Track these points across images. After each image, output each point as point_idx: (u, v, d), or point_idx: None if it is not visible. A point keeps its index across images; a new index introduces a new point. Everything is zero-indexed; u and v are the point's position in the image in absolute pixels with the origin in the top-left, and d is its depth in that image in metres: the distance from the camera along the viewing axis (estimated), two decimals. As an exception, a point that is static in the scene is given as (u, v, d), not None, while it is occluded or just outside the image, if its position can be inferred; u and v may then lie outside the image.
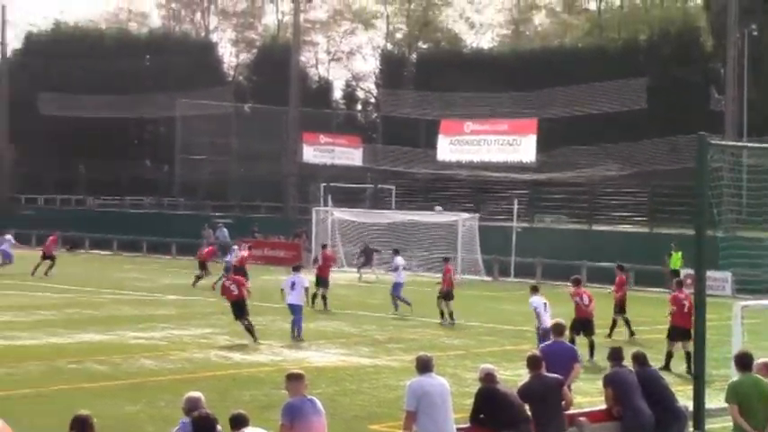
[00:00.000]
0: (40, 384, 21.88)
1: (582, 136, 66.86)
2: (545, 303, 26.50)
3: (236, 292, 29.78)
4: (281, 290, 30.46)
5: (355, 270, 52.74)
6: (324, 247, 44.21)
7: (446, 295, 34.34)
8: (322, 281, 38.42)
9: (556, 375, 15.00)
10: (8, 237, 54.08)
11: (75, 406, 18.03)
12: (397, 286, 37.58)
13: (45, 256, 50.94)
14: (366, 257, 53.61)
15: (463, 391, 21.41)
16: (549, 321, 25.34)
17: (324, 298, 37.70)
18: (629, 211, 55.57)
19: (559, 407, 14.77)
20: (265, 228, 62.10)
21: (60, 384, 21.95)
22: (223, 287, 30.59)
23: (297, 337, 29.62)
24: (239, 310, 29.62)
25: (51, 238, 53.07)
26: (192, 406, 11.55)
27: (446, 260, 36.77)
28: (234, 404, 16.99)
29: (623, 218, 55.87)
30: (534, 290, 27.46)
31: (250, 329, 29.29)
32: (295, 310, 30.21)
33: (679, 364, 24.84)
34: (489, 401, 14.25)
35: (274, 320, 33.48)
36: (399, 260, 39.40)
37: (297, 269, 31.04)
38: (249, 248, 47.38)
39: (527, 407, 14.46)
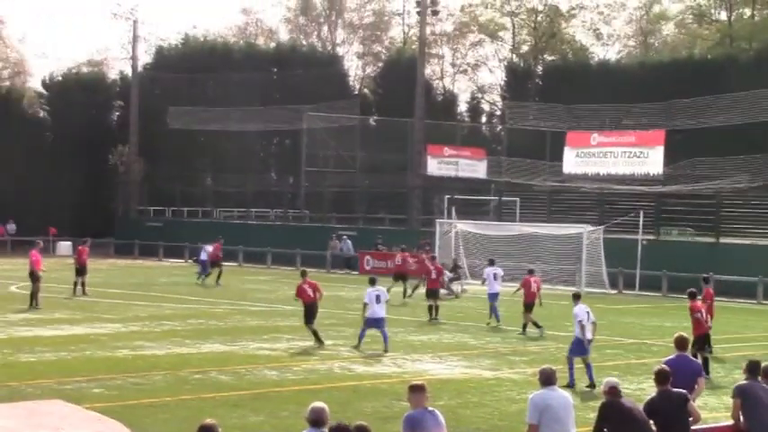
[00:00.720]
0: (165, 394, 22.17)
1: (710, 148, 65.79)
2: (588, 312, 25.40)
3: (311, 295, 30.40)
4: (365, 304, 30.05)
5: (479, 283, 52.61)
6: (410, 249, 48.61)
7: (527, 307, 34.65)
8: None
9: (682, 390, 14.74)
10: (207, 247, 54.93)
11: (199, 416, 18.30)
12: (491, 296, 37.70)
13: (212, 263, 52.45)
14: (456, 273, 53.58)
15: (586, 405, 21.21)
16: (590, 332, 24.98)
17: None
18: (758, 223, 54.57)
19: (686, 423, 14.51)
20: (389, 240, 62.27)
21: (185, 394, 22.21)
22: (299, 289, 30.83)
23: (386, 350, 29.35)
24: (310, 313, 30.39)
25: (216, 244, 54.33)
26: (316, 416, 11.53)
27: (530, 272, 36.75)
28: (355, 415, 17.03)
29: (751, 230, 54.88)
30: (577, 298, 26.17)
31: (316, 334, 30.15)
32: (382, 323, 30.08)
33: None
34: (613, 416, 14.06)
35: (397, 332, 33.53)
36: (487, 270, 39.35)
37: (373, 282, 30.71)
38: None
39: (651, 423, 14.25)
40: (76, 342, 29.80)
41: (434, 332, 34.37)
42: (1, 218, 79.46)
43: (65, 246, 77.65)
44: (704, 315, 26.70)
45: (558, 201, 64.17)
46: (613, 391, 14.13)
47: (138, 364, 25.98)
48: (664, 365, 15.45)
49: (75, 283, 44.99)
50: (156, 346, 29.36)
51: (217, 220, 77.98)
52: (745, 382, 15.49)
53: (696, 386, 15.93)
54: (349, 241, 65.05)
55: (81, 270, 45.63)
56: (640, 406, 14.56)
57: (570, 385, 23.72)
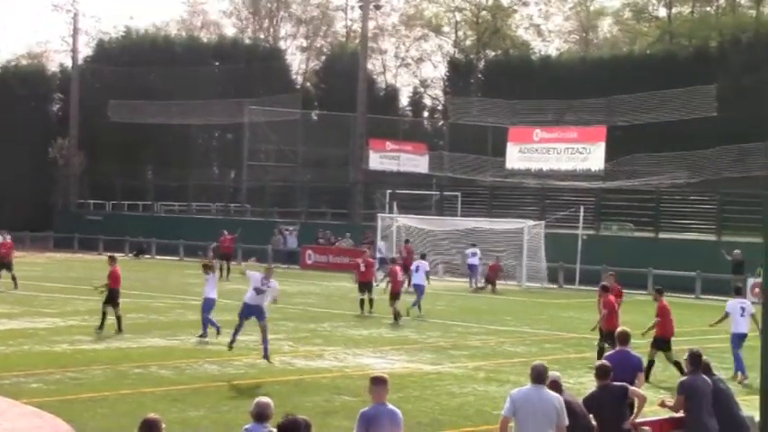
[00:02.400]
0: (105, 389, 22.02)
1: (649, 144, 66.40)
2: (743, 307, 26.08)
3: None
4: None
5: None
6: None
7: (394, 296, 36.07)
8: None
9: (622, 384, 14.86)
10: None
11: (139, 410, 18.25)
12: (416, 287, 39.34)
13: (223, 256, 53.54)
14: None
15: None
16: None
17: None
18: (697, 219, 55.16)
19: (625, 416, 14.64)
20: (334, 234, 62.35)
21: (125, 389, 22.08)
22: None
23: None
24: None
25: (230, 237, 55.64)
26: (260, 411, 11.49)
27: (392, 261, 41.22)
28: (295, 410, 16.98)
29: (690, 226, 55.46)
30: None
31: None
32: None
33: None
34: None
35: (338, 326, 33.56)
36: (415, 264, 41.31)
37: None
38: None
39: (591, 417, 14.36)
40: (14, 336, 29.53)
41: (375, 326, 34.41)
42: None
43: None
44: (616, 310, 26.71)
45: (499, 196, 64.47)
46: (554, 385, 14.20)
47: (77, 359, 25.80)
48: (604, 360, 15.59)
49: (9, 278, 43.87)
50: (95, 341, 29.19)
51: (158, 214, 77.61)
52: (688, 377, 15.63)
53: (636, 381, 16.04)
54: (295, 233, 64.97)
55: (4, 265, 44.48)
56: (580, 400, 14.68)
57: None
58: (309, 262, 60.68)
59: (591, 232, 55.77)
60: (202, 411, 20.03)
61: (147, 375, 23.95)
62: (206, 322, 30.54)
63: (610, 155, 67.16)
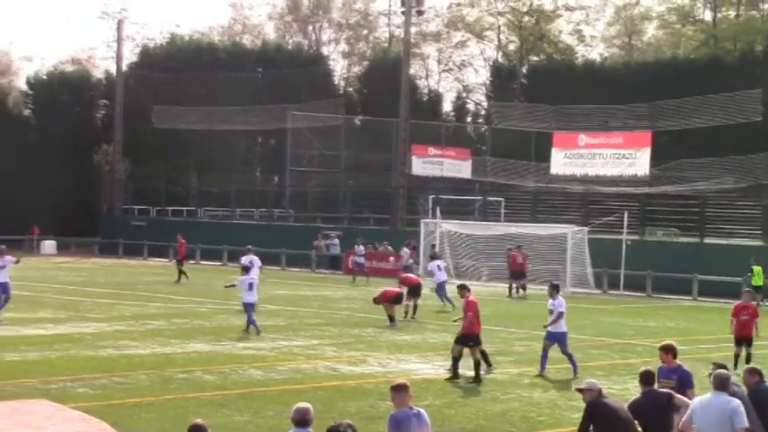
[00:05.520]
0: (150, 394, 22.10)
1: (695, 148, 66.01)
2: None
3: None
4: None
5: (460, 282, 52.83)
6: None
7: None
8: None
9: (667, 390, 14.75)
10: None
11: (183, 415, 18.31)
12: (441, 286, 42.05)
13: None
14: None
15: (571, 405, 21.24)
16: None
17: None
18: (742, 224, 54.76)
19: (670, 423, 14.52)
20: (372, 239, 62.31)
21: (169, 394, 22.15)
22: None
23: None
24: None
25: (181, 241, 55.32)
26: (301, 416, 11.50)
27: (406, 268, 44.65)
28: (339, 415, 17.03)
29: (735, 231, 55.07)
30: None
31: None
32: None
33: None
34: (598, 416, 14.07)
35: (382, 332, 33.56)
36: (431, 264, 44.02)
37: (247, 270, 34.55)
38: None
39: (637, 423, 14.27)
40: (61, 341, 29.71)
41: (419, 332, 34.37)
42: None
43: (49, 245, 77.62)
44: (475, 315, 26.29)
45: (542, 201, 64.28)
46: (597, 392, 14.11)
47: (123, 364, 25.91)
48: (649, 366, 15.46)
49: None
50: (141, 346, 29.29)
51: (201, 220, 77.91)
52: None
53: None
54: (336, 240, 65.07)
55: None
56: (624, 406, 14.59)
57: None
58: (352, 267, 60.71)
59: (635, 238, 55.50)
60: (247, 416, 20.05)
61: (192, 380, 24.02)
62: (251, 322, 32.48)
63: (655, 160, 66.82)
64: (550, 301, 26.00)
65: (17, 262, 37.47)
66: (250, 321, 32.48)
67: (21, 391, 22.01)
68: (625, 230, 53.62)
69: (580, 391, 14.54)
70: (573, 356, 25.81)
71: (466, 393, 23.23)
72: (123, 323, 34.78)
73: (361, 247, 58.17)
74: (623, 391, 22.46)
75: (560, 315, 25.74)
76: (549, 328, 25.80)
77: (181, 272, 52.86)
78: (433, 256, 45.88)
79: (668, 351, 16.49)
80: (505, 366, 27.30)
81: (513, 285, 50.19)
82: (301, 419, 11.44)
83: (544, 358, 25.89)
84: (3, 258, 36.21)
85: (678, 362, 16.41)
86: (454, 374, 24.80)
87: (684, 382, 16.05)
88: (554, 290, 26.34)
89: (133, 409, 20.37)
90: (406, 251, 56.28)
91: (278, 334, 32.63)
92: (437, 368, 26.50)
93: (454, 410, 21.18)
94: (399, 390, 12.75)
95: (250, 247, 44.57)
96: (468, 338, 25.23)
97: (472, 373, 24.79)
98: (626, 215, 53.78)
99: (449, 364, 25.46)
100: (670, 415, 14.54)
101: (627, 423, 14.07)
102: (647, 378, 14.71)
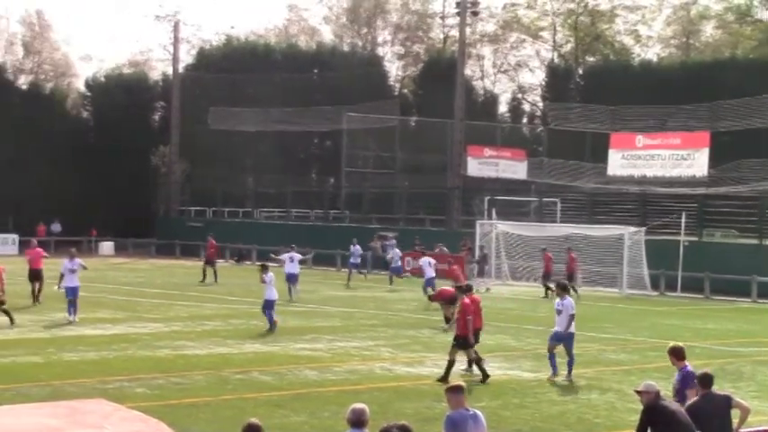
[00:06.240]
0: (206, 394, 22.20)
1: (755, 149, 65.38)
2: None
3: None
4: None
5: (516, 283, 52.64)
6: None
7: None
8: None
9: (725, 393, 14.63)
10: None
11: (240, 415, 18.34)
12: (428, 281, 44.88)
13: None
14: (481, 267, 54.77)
15: (628, 407, 21.09)
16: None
17: None
18: (803, 225, 54.19)
19: (729, 426, 14.40)
20: (428, 240, 62.20)
21: (226, 394, 22.24)
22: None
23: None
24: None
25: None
26: (356, 417, 11.50)
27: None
28: (396, 416, 16.99)
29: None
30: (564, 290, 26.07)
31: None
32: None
33: None
34: (656, 418, 13.96)
35: (437, 333, 33.51)
36: (423, 260, 46.65)
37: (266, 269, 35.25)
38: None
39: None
40: (118, 341, 29.94)
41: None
42: (45, 218, 79.92)
43: (107, 246, 78.22)
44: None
45: (599, 202, 63.92)
46: (655, 395, 14.01)
47: (180, 364, 26.06)
48: (707, 369, 15.33)
49: (33, 291, 40.30)
50: (198, 346, 29.45)
51: (257, 221, 78.18)
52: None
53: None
54: (394, 241, 64.95)
55: (34, 275, 40.74)
56: (683, 408, 14.47)
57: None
58: (408, 268, 60.67)
59: (693, 239, 55.04)
60: (303, 417, 20.09)
61: (249, 381, 24.10)
62: (270, 319, 33.36)
63: (714, 161, 66.25)
64: (558, 301, 25.46)
65: (85, 268, 37.39)
66: (269, 318, 33.42)
67: (79, 390, 22.19)
68: (683, 231, 53.21)
69: (639, 393, 14.43)
70: (574, 361, 25.36)
71: (522, 395, 23.14)
72: (180, 323, 34.99)
73: (358, 247, 57.53)
74: (681, 394, 22.25)
75: (572, 317, 25.24)
76: (558, 329, 25.36)
77: (212, 272, 53.14)
78: (424, 253, 48.58)
79: (671, 354, 16.48)
80: (562, 368, 27.15)
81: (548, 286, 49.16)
82: (357, 420, 11.43)
83: (552, 360, 25.46)
84: (73, 261, 36.33)
85: (685, 362, 16.29)
86: (485, 375, 24.78)
87: (683, 382, 15.98)
88: (562, 290, 25.83)
89: (190, 409, 20.47)
90: (397, 251, 56.07)
91: (334, 335, 32.69)
92: (492, 369, 26.41)
93: (510, 412, 21.11)
94: (455, 391, 12.73)
95: (293, 245, 47.94)
96: (476, 337, 25.68)
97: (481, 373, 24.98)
98: (684, 216, 53.37)
99: (506, 364, 25.35)
100: (728, 417, 14.43)
101: (685, 426, 13.94)
102: (705, 380, 14.61)
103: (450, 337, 30.15)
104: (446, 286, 37.80)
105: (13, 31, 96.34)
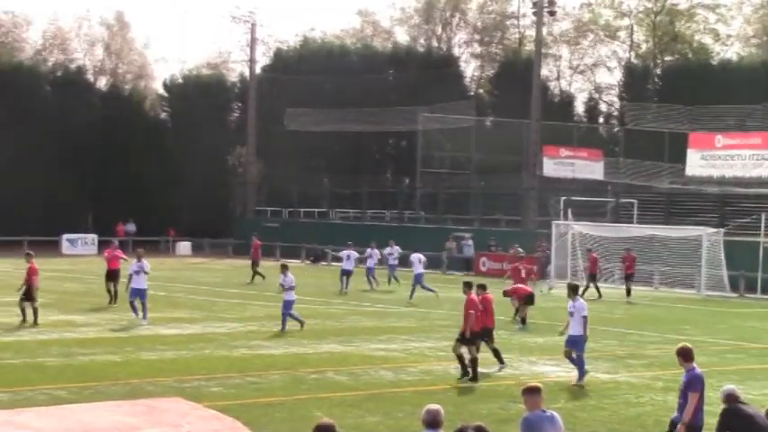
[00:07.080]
0: (282, 393, 22.30)
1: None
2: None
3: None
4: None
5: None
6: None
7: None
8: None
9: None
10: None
11: (315, 415, 18.40)
12: (417, 277, 46.30)
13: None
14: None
15: (705, 410, 20.85)
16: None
17: None
18: None
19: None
20: (503, 241, 61.99)
21: (301, 394, 22.33)
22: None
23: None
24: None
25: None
26: (432, 418, 11.48)
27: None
28: (471, 417, 16.95)
29: None
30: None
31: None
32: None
33: None
34: (736, 422, 13.82)
35: (513, 334, 33.39)
36: (414, 256, 47.83)
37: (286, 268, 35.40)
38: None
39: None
40: (195, 341, 30.19)
41: (551, 334, 34.08)
42: (121, 218, 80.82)
43: (184, 246, 78.88)
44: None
45: (677, 203, 63.28)
46: (733, 398, 13.86)
47: (256, 364, 26.20)
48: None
49: (109, 291, 40.10)
50: (273, 346, 29.60)
51: (333, 221, 78.40)
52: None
53: None
54: (470, 241, 64.87)
55: (111, 275, 40.47)
56: (762, 412, 14.29)
57: None
58: (484, 269, 60.52)
59: (774, 240, 54.34)
60: (378, 417, 20.11)
61: (324, 381, 24.18)
62: (286, 319, 33.49)
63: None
64: (570, 303, 24.83)
65: (147, 273, 35.87)
66: (289, 315, 33.59)
67: (157, 389, 22.42)
68: (762, 233, 52.54)
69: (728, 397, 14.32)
70: (584, 365, 24.83)
71: (598, 396, 22.99)
72: (256, 323, 35.19)
73: (397, 248, 55.29)
74: (761, 397, 22.00)
75: (586, 319, 24.68)
76: (572, 333, 24.69)
77: (256, 272, 53.31)
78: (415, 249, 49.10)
79: (679, 355, 16.34)
80: (638, 370, 26.95)
81: (590, 286, 48.50)
82: (432, 421, 11.42)
83: (574, 362, 24.83)
84: (141, 263, 35.71)
85: (693, 364, 16.11)
86: (465, 373, 24.79)
87: (688, 385, 15.87)
88: (573, 291, 25.23)
89: (265, 409, 20.58)
90: (388, 252, 55.48)
91: (409, 335, 32.70)
92: (569, 371, 26.24)
93: (586, 414, 20.99)
94: (532, 392, 12.67)
95: (350, 243, 52.16)
96: (485, 334, 25.96)
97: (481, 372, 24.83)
98: (764, 217, 52.69)
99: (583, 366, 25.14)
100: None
101: (764, 430, 13.78)
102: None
103: (528, 339, 30.11)
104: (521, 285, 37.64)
105: (93, 32, 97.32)
